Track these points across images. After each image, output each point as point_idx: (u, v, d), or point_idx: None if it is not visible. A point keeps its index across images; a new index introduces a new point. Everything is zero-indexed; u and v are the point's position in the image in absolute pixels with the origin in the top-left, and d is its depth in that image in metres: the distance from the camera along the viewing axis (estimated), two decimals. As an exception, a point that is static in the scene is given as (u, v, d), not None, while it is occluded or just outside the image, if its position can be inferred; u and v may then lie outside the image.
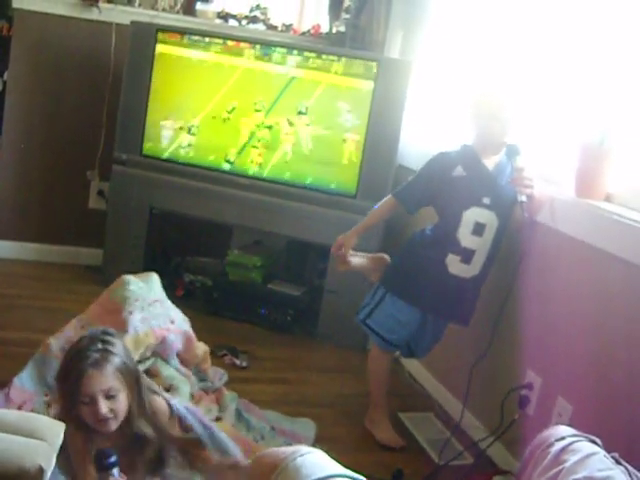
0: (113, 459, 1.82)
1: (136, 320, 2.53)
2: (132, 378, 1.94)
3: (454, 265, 2.50)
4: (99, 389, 1.85)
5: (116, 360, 1.90)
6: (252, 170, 3.56)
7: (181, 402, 2.24)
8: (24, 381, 2.42)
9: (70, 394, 1.87)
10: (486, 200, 2.47)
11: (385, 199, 2.72)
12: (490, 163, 2.51)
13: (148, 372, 2.50)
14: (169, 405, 2.09)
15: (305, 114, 3.46)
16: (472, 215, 2.48)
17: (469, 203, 2.48)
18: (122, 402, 1.90)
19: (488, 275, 2.55)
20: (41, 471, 1.51)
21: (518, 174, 2.42)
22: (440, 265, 2.51)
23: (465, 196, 2.49)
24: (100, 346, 1.90)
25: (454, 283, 2.51)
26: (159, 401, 2.05)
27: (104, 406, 1.86)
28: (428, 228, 2.60)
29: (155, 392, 2.09)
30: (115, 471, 1.81)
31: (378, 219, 2.82)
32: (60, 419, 1.91)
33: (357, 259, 2.75)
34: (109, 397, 1.87)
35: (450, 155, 2.58)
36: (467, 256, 2.49)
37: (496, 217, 2.48)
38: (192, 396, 2.58)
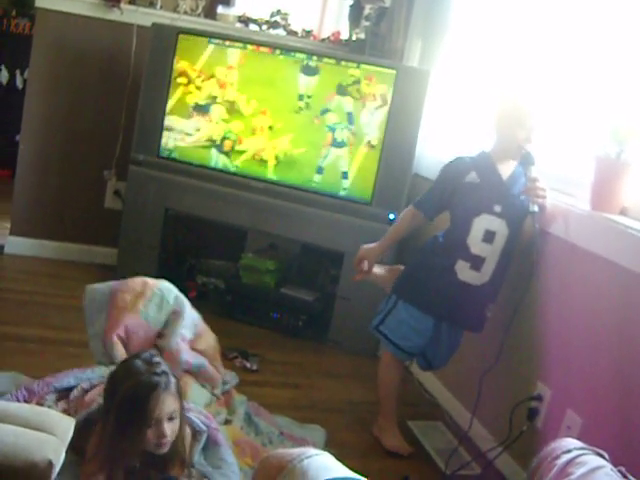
0: None
1: None
2: (180, 400, 1.95)
3: (464, 272, 2.50)
4: (166, 412, 1.86)
5: (174, 382, 1.92)
6: (268, 174, 3.58)
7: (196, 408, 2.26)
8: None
9: (138, 418, 1.84)
10: (497, 208, 2.47)
11: (405, 210, 2.73)
12: (505, 171, 2.51)
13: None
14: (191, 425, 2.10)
15: (324, 118, 3.48)
16: (482, 222, 2.47)
17: (480, 210, 2.48)
18: (177, 424, 1.91)
19: (502, 283, 2.55)
20: (50, 465, 1.52)
21: (531, 184, 2.41)
22: (450, 271, 2.51)
23: (476, 202, 2.49)
24: (161, 369, 1.90)
25: (464, 290, 2.51)
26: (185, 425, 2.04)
27: (169, 428, 1.87)
28: (440, 234, 2.60)
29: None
30: None
31: (401, 232, 2.74)
32: (97, 438, 1.91)
33: (375, 270, 2.77)
34: (170, 419, 1.88)
35: (465, 160, 2.58)
36: (477, 263, 2.49)
37: (506, 226, 2.47)
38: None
